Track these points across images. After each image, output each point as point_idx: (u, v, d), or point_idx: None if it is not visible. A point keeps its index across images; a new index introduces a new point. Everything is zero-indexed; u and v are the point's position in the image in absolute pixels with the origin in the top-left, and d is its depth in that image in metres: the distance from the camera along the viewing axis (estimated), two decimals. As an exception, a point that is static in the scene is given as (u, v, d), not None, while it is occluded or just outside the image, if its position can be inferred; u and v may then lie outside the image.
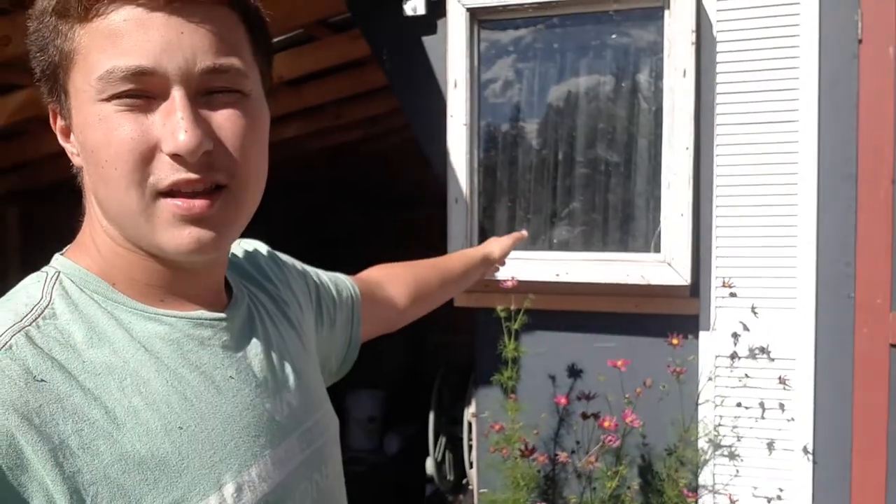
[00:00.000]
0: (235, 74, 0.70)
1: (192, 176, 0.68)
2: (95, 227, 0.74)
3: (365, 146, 6.25)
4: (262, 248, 1.02)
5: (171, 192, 0.68)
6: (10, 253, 4.92)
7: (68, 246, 0.78)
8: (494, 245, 1.59)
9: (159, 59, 0.66)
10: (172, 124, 0.66)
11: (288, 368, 0.86)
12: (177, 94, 0.67)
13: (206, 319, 0.76)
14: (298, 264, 1.07)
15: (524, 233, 1.64)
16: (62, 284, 0.71)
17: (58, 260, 0.75)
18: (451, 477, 3.47)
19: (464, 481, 3.22)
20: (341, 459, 0.95)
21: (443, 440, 3.46)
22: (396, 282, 1.27)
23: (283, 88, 4.46)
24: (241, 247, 0.98)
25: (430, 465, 3.32)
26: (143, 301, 0.73)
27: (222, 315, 0.78)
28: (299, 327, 0.94)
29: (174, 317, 0.74)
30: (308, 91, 4.61)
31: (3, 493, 0.58)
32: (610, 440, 1.88)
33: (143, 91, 0.66)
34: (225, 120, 0.70)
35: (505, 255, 1.59)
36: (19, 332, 0.64)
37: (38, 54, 0.70)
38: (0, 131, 4.19)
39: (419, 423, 4.10)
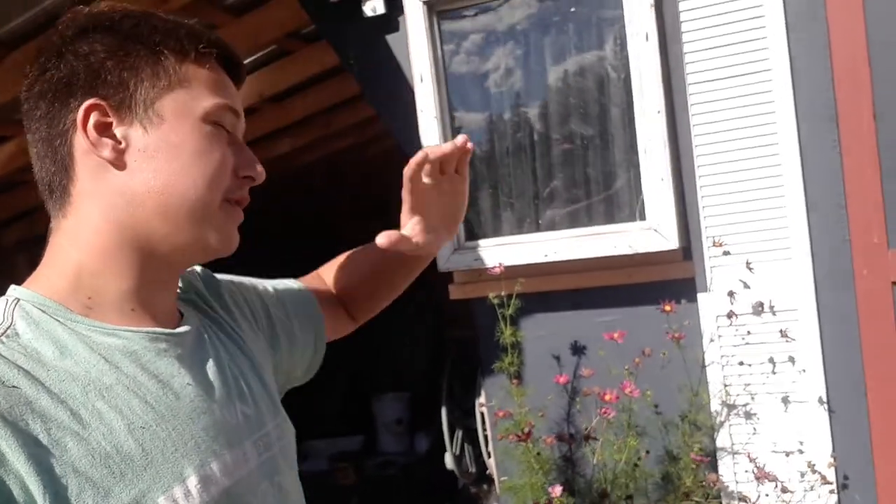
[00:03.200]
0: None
1: (248, 198, 0.92)
2: (84, 238, 0.83)
3: (364, 150, 6.25)
4: (206, 273, 1.07)
5: (230, 201, 0.88)
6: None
7: (32, 277, 0.85)
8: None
9: (237, 107, 0.90)
10: (249, 157, 0.90)
11: (239, 381, 0.93)
12: (241, 134, 0.92)
13: (161, 334, 0.84)
14: (239, 284, 1.11)
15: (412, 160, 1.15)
16: (22, 308, 0.78)
17: (14, 290, 0.82)
18: (472, 469, 3.47)
19: (487, 472, 3.21)
20: (297, 466, 1.01)
21: (459, 433, 3.45)
22: (337, 272, 1.27)
23: (268, 105, 4.48)
24: (190, 274, 1.04)
25: (448, 460, 3.32)
26: (106, 314, 0.82)
27: (175, 331, 0.87)
28: (245, 346, 1.00)
29: (131, 331, 0.81)
30: (293, 105, 4.63)
31: None
32: (605, 412, 1.86)
33: (227, 126, 0.89)
34: None
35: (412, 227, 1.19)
36: None
37: (114, 62, 0.83)
38: (1, 182, 4.26)
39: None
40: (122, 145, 0.82)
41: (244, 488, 0.84)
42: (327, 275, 1.27)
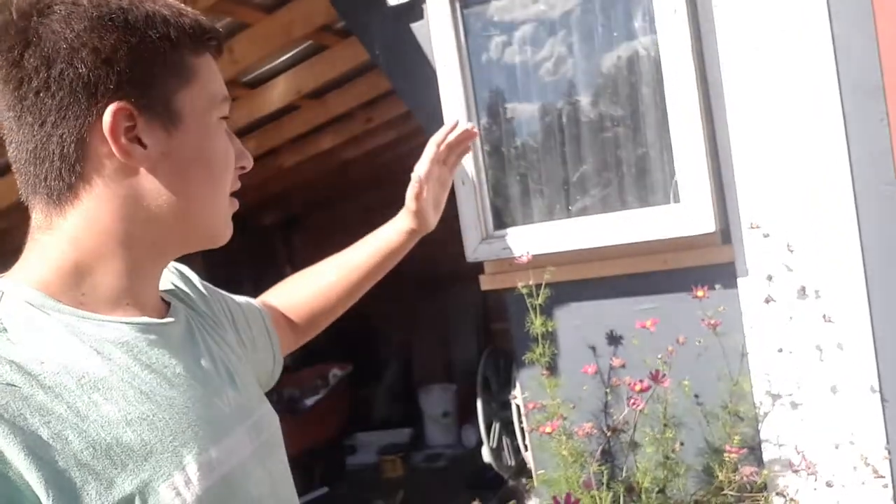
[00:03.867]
0: None
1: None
2: (85, 238, 0.80)
3: (403, 144, 6.24)
4: (185, 271, 1.09)
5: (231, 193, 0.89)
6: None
7: (13, 270, 0.84)
8: (401, 215, 1.42)
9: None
10: (239, 146, 0.89)
11: (227, 370, 0.94)
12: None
13: (151, 325, 0.84)
14: (214, 288, 1.14)
15: (417, 174, 1.27)
16: (8, 301, 0.77)
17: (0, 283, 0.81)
18: (511, 462, 3.42)
19: (527, 465, 3.15)
20: (285, 454, 1.02)
21: (496, 426, 3.40)
22: (291, 292, 1.32)
23: (307, 101, 4.50)
24: (168, 271, 1.05)
25: (486, 454, 3.28)
26: (99, 307, 0.81)
27: (163, 321, 0.87)
28: (227, 337, 1.03)
29: (121, 322, 0.81)
30: (332, 100, 4.64)
31: None
32: (633, 403, 1.79)
33: (227, 115, 0.88)
34: None
35: (417, 216, 1.33)
36: None
37: (134, 50, 0.79)
38: None
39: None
40: (147, 149, 0.80)
41: (241, 474, 0.84)
42: (275, 297, 1.29)
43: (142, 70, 0.78)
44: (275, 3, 3.31)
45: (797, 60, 2.07)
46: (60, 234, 0.81)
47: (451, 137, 1.24)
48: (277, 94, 4.11)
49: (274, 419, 1.00)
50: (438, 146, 1.24)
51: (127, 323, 0.82)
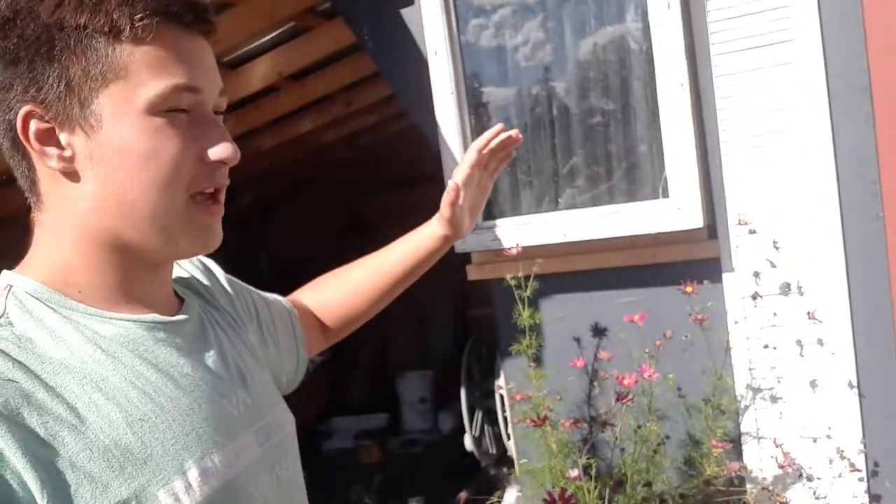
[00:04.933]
0: (224, 95, 0.83)
1: (226, 180, 0.81)
2: (61, 234, 0.78)
3: (384, 128, 6.19)
4: (210, 265, 1.06)
5: (202, 196, 0.79)
6: None
7: (21, 264, 0.81)
8: (435, 220, 1.30)
9: (202, 81, 0.77)
10: (217, 137, 0.77)
11: (240, 371, 0.90)
12: (210, 111, 0.79)
13: (159, 322, 0.81)
14: (240, 284, 1.10)
15: (454, 181, 1.20)
16: (15, 296, 0.75)
17: (6, 276, 0.79)
18: (493, 451, 3.44)
19: (507, 454, 3.18)
20: (299, 456, 0.98)
21: (479, 414, 3.42)
22: (323, 292, 1.27)
23: (287, 83, 4.43)
24: (191, 264, 1.02)
25: (468, 442, 3.30)
26: (101, 304, 0.78)
27: (174, 318, 0.84)
28: (246, 339, 0.99)
29: (128, 320, 0.78)
30: (312, 83, 4.57)
31: None
32: (622, 398, 1.80)
33: (185, 107, 0.76)
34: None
35: (452, 223, 1.23)
36: None
37: (40, 60, 0.73)
38: None
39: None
40: (68, 153, 0.75)
41: (245, 480, 0.81)
42: (307, 296, 1.26)
43: (49, 70, 0.72)
44: (259, -16, 3.25)
45: (787, 60, 2.09)
46: (44, 230, 0.80)
47: (495, 143, 1.17)
48: (257, 75, 4.04)
49: (287, 422, 0.97)
50: (480, 151, 1.17)
51: (134, 321, 0.79)
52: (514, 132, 1.23)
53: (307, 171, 6.20)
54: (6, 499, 0.63)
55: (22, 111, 0.74)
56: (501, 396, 2.69)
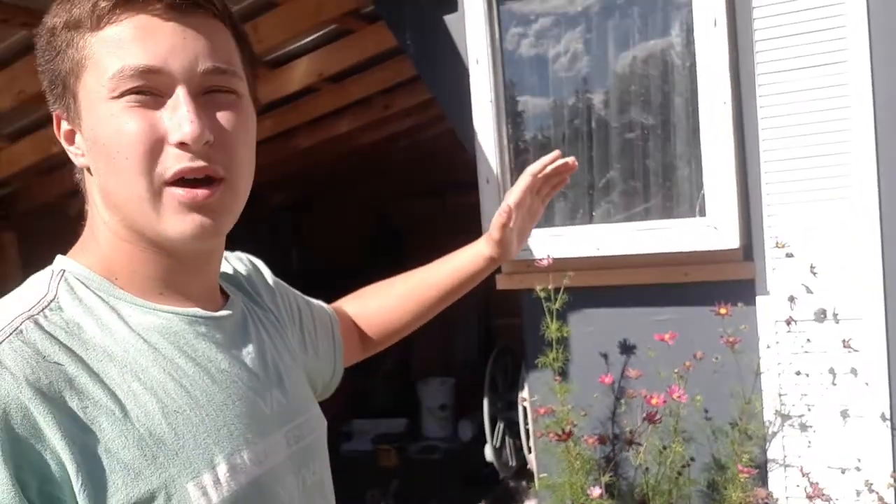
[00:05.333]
0: (231, 76, 0.78)
1: (197, 163, 0.74)
2: (98, 226, 0.81)
3: (421, 132, 6.21)
4: (259, 265, 1.07)
5: (176, 182, 0.74)
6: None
7: (74, 248, 0.84)
8: (483, 241, 1.27)
9: (166, 59, 0.73)
10: (179, 117, 0.73)
11: (278, 370, 0.91)
12: (181, 91, 0.74)
13: (200, 317, 0.82)
14: (287, 287, 1.11)
15: (507, 203, 1.18)
16: (67, 281, 0.77)
17: (60, 260, 0.81)
18: (513, 462, 3.42)
19: (527, 466, 3.16)
20: (328, 460, 0.98)
21: (500, 425, 3.40)
22: (366, 302, 1.27)
23: (327, 85, 4.46)
24: (239, 261, 1.04)
25: (489, 452, 3.28)
26: (142, 296, 0.79)
27: (216, 314, 0.84)
28: (287, 340, 1.00)
29: (171, 312, 0.80)
30: (352, 85, 4.60)
31: (21, 458, 0.64)
32: (649, 417, 1.78)
33: (150, 88, 0.73)
34: (223, 117, 0.77)
35: (500, 245, 1.22)
36: (28, 319, 0.71)
37: (47, 66, 0.77)
38: (66, 155, 4.38)
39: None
40: (80, 151, 0.79)
41: (272, 479, 0.82)
42: (350, 305, 1.26)
43: (53, 74, 0.77)
44: (305, -15, 3.28)
45: (833, 81, 2.06)
46: (89, 221, 0.83)
47: (550, 169, 1.17)
48: (298, 75, 4.08)
49: (320, 425, 0.97)
50: (535, 176, 1.16)
51: (176, 313, 0.80)
52: (570, 160, 1.21)
53: (341, 172, 6.24)
54: (44, 477, 0.65)
55: (55, 116, 0.80)
56: (524, 408, 2.67)
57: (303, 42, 3.96)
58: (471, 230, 3.01)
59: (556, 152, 1.21)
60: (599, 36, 2.31)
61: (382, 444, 5.29)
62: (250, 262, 1.06)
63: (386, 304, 1.25)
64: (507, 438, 3.41)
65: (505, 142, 2.36)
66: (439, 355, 5.94)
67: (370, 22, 3.83)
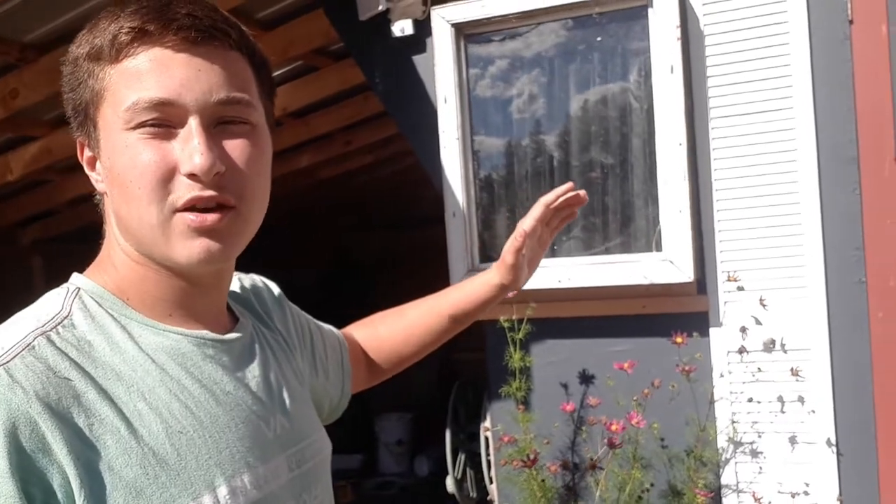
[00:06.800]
0: (246, 106, 0.80)
1: (207, 193, 0.76)
2: (114, 246, 0.83)
3: (381, 168, 6.28)
4: (272, 286, 1.09)
5: (186, 209, 0.77)
6: (35, 299, 5.05)
7: (90, 266, 0.87)
8: (494, 269, 1.30)
9: (179, 91, 0.75)
10: (190, 149, 0.75)
11: (283, 394, 0.92)
12: (193, 123, 0.76)
13: (208, 339, 0.84)
14: (298, 310, 1.12)
15: (521, 229, 1.20)
16: (81, 299, 0.79)
17: (76, 278, 0.84)
18: (474, 494, 3.44)
19: (488, 498, 3.18)
20: (331, 484, 0.99)
21: (462, 457, 3.43)
22: (375, 329, 1.27)
23: (290, 120, 4.53)
24: (251, 281, 1.06)
25: (450, 484, 3.30)
26: (152, 316, 0.82)
27: (224, 337, 0.86)
28: (295, 363, 1.01)
29: (180, 334, 0.82)
30: (315, 120, 4.67)
31: (28, 472, 0.65)
32: (610, 443, 1.85)
33: (164, 120, 0.76)
34: (236, 147, 0.79)
35: (512, 271, 1.23)
36: (41, 335, 0.73)
37: (70, 94, 0.80)
38: (21, 183, 4.32)
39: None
40: (100, 177, 0.82)
41: (272, 503, 0.82)
42: (359, 332, 1.26)
43: (75, 103, 0.80)
44: (275, 21, 3.35)
45: (781, 126, 2.20)
46: (106, 239, 0.85)
47: (562, 200, 1.19)
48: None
49: (324, 448, 0.97)
50: (548, 206, 1.19)
51: (185, 335, 0.82)
52: (581, 193, 1.23)
53: (300, 205, 6.26)
54: (49, 491, 0.66)
55: (78, 142, 0.83)
56: (486, 439, 2.71)
57: (269, 77, 4.01)
58: (431, 264, 3.08)
59: (569, 184, 1.23)
60: (561, 79, 2.42)
61: (338, 480, 5.24)
62: (263, 283, 1.07)
63: (395, 331, 1.25)
64: (468, 470, 3.44)
65: (471, 177, 2.44)
66: (396, 389, 5.94)
67: (336, 59, 3.91)
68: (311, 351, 1.09)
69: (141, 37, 0.76)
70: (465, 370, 4.64)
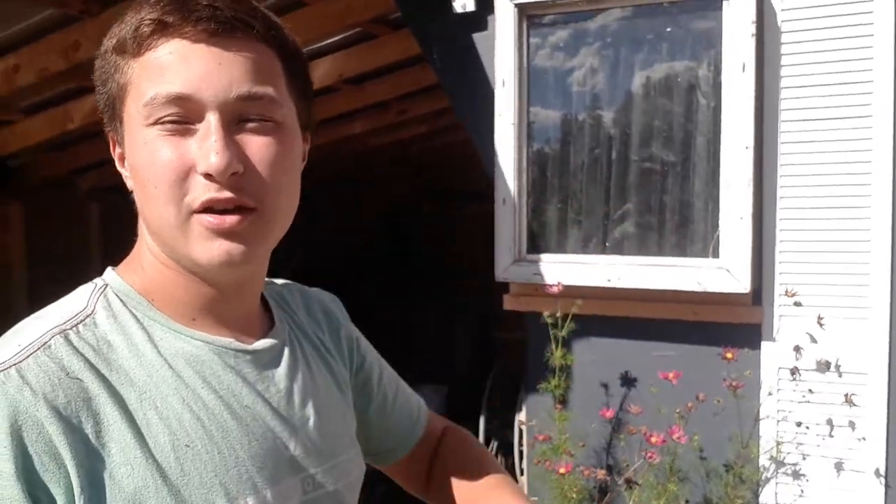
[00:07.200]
0: (269, 102, 0.75)
1: (224, 195, 0.72)
2: (143, 246, 0.80)
3: (435, 139, 6.22)
4: (328, 300, 1.02)
5: (205, 210, 0.72)
6: (92, 246, 5.16)
7: (123, 262, 0.83)
8: None
9: (198, 86, 0.71)
10: (207, 147, 0.71)
11: (311, 411, 0.85)
12: (212, 119, 0.72)
13: (231, 349, 0.79)
14: (366, 345, 1.04)
15: None
16: (107, 297, 0.77)
17: (108, 274, 0.81)
18: (502, 482, 3.42)
19: (517, 487, 3.16)
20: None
21: (494, 444, 3.40)
22: (445, 460, 1.10)
23: (345, 86, 4.48)
24: (305, 293, 1.00)
25: (480, 471, 3.27)
26: (177, 319, 0.78)
27: (250, 346, 0.81)
28: (338, 375, 0.94)
29: (202, 340, 0.78)
30: (370, 88, 4.61)
31: (34, 475, 0.64)
32: (650, 456, 1.78)
33: (182, 116, 0.72)
34: (257, 147, 0.74)
35: None
36: (59, 333, 0.71)
37: (100, 88, 0.77)
38: (80, 132, 4.38)
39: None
40: (129, 174, 0.78)
41: None
42: (442, 446, 1.11)
43: (105, 97, 0.76)
44: (335, -13, 3.29)
45: (857, 134, 2.06)
46: (138, 239, 0.82)
47: None
48: (319, 74, 4.09)
49: (353, 471, 0.90)
50: None
51: (207, 342, 0.78)
52: None
53: (352, 171, 6.25)
54: (51, 496, 0.65)
55: (110, 138, 0.79)
56: (521, 430, 2.67)
57: (326, 42, 3.97)
58: (479, 241, 3.02)
59: None
60: (625, 68, 2.31)
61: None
62: (319, 299, 1.01)
63: (448, 477, 1.07)
64: (499, 457, 3.41)
65: (524, 164, 2.37)
66: (433, 362, 5.94)
67: (394, 28, 3.84)
68: (365, 376, 1.01)
69: (161, 29, 0.72)
70: (502, 350, 4.60)
